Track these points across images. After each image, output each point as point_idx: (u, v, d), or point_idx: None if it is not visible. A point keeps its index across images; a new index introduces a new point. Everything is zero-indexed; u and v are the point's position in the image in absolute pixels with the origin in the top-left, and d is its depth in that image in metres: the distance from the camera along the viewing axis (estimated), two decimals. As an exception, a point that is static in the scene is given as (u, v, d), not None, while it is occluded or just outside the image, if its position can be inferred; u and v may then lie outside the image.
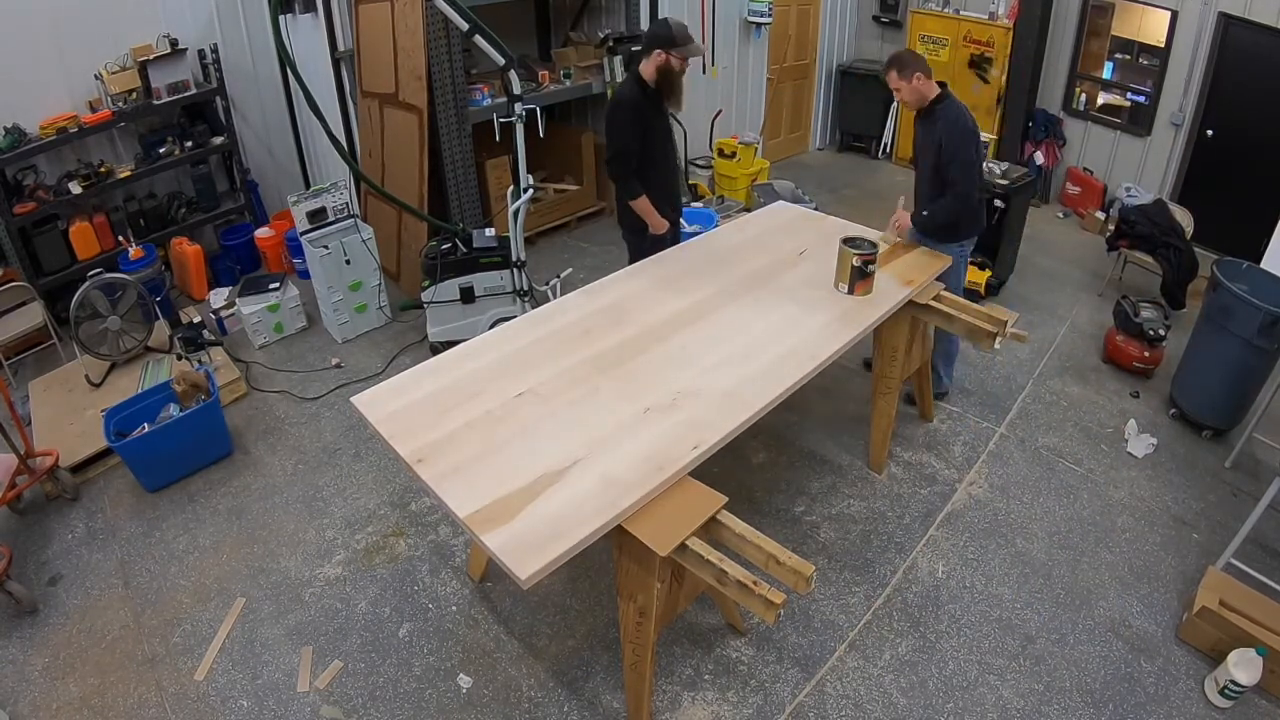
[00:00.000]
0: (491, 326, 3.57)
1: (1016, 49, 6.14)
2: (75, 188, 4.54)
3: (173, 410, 3.61)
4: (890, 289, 3.15)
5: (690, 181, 6.32)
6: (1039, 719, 2.56)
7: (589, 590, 3.03)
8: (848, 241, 3.07)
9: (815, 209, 4.22)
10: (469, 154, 4.86)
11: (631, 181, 3.50)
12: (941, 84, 3.41)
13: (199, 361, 4.15)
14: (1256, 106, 5.19)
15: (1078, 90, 6.30)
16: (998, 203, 4.73)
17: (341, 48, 4.76)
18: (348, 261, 4.49)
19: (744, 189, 6.21)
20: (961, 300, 3.23)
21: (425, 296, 4.23)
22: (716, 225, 4.73)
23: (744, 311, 2.99)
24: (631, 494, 2.10)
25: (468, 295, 4.23)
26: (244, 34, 5.24)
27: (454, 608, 2.98)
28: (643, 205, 3.55)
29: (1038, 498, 3.47)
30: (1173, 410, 4.00)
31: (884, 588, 3.04)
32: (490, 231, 4.32)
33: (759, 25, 6.50)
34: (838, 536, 3.27)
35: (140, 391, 3.79)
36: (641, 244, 3.71)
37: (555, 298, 3.76)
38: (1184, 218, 5.00)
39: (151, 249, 4.70)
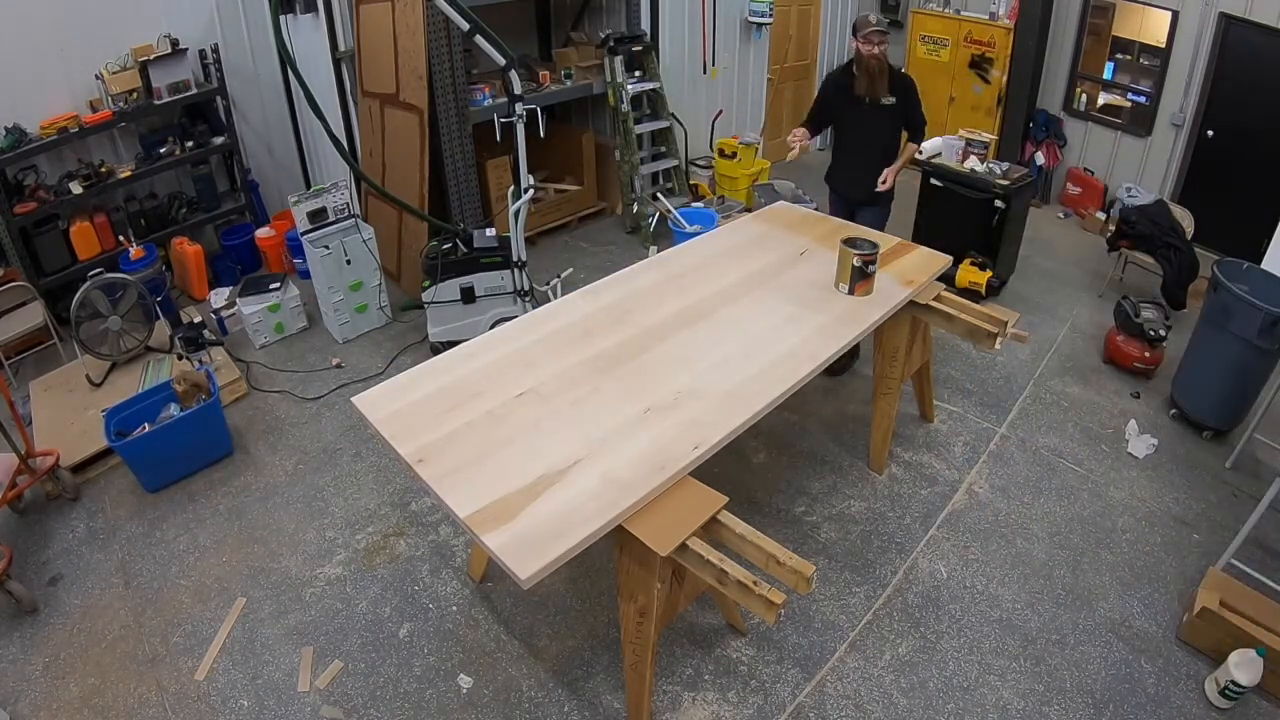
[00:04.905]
0: (492, 326, 3.57)
1: (1017, 49, 6.14)
2: (76, 188, 4.54)
3: (173, 410, 3.61)
4: (891, 289, 3.15)
5: (690, 182, 6.32)
6: None
7: (589, 590, 3.03)
8: (848, 242, 3.07)
9: (815, 209, 4.22)
10: (470, 154, 4.86)
11: (807, 119, 4.12)
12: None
13: (199, 361, 4.15)
14: (1257, 107, 5.18)
15: (1078, 90, 6.30)
16: (998, 203, 4.73)
17: (342, 47, 4.77)
18: (348, 261, 4.50)
19: (744, 189, 6.21)
20: (962, 300, 3.23)
21: (426, 296, 4.23)
22: (717, 225, 4.73)
23: (744, 311, 2.99)
24: (632, 494, 2.10)
25: (468, 295, 4.23)
26: (245, 34, 5.24)
27: (454, 608, 2.98)
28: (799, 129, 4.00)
29: (1038, 498, 3.47)
30: (1173, 411, 4.00)
31: (884, 588, 3.04)
32: (491, 231, 4.32)
33: (760, 25, 6.50)
34: (838, 537, 3.27)
35: (141, 391, 3.79)
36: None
37: (556, 298, 3.76)
38: (1184, 218, 5.00)
39: (152, 249, 4.70)
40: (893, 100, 3.79)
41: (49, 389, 4.09)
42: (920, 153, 4.17)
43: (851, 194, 4.09)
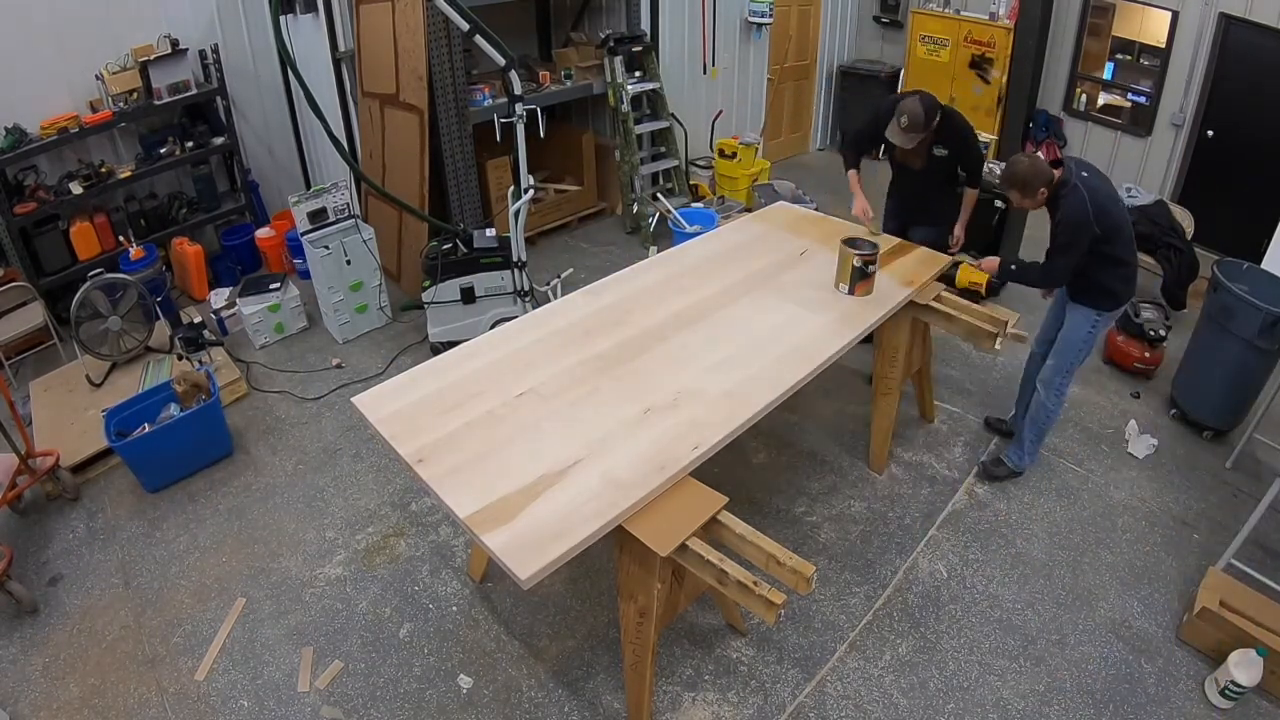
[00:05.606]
0: (492, 327, 3.57)
1: (1017, 49, 6.11)
2: (76, 188, 4.54)
3: (173, 410, 3.61)
4: (891, 289, 3.15)
5: (690, 182, 6.32)
6: (1039, 720, 2.57)
7: (589, 590, 3.02)
8: (848, 242, 3.07)
9: (816, 209, 4.22)
10: (470, 154, 4.86)
11: (845, 155, 4.00)
12: (1058, 164, 3.01)
13: (199, 362, 4.15)
14: (1257, 107, 5.18)
15: (1078, 91, 6.30)
16: (998, 203, 4.74)
17: (342, 48, 4.77)
18: (348, 262, 4.50)
19: (744, 189, 6.21)
20: (962, 301, 3.23)
21: (426, 297, 4.23)
22: (717, 226, 4.73)
23: (745, 312, 2.99)
24: (632, 494, 2.10)
25: (468, 295, 4.23)
26: (245, 34, 5.24)
27: (454, 608, 2.98)
28: (850, 177, 3.90)
29: (1038, 498, 3.47)
30: (1173, 411, 4.00)
31: (884, 588, 3.03)
32: (491, 232, 4.32)
33: (759, 25, 6.50)
34: (838, 537, 3.27)
35: (141, 392, 3.79)
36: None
37: (556, 298, 3.76)
38: (1184, 218, 5.00)
39: (152, 249, 4.70)
40: (945, 152, 3.64)
41: (49, 389, 4.09)
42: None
43: (908, 216, 3.95)
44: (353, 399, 2.53)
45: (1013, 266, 3.32)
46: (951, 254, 3.70)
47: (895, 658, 2.77)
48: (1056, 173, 2.97)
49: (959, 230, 3.87)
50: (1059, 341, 3.34)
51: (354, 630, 2.89)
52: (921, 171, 3.74)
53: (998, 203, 4.72)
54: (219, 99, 5.11)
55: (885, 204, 4.08)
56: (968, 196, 3.83)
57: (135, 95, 4.66)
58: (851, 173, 3.90)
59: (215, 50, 5.01)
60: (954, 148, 3.63)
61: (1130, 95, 6.01)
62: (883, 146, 3.77)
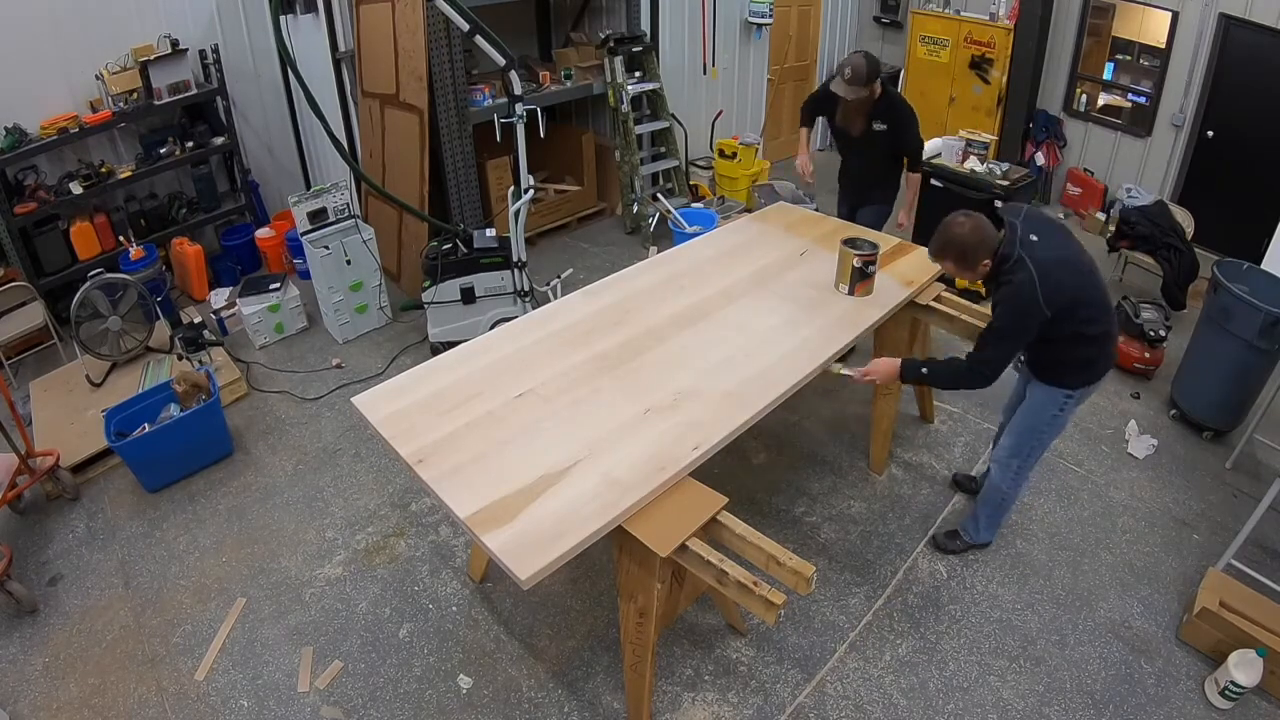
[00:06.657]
0: (492, 327, 3.57)
1: (1017, 50, 6.14)
2: (76, 188, 4.54)
3: (173, 410, 3.61)
4: (891, 289, 3.15)
5: (690, 182, 6.32)
6: (1039, 720, 2.57)
7: (589, 591, 3.02)
8: (848, 242, 3.07)
9: (815, 209, 4.22)
10: (470, 154, 4.86)
11: (801, 115, 4.18)
12: (1009, 226, 2.47)
13: (199, 362, 4.15)
14: (1257, 107, 5.18)
15: (1078, 91, 6.30)
16: (998, 204, 4.73)
17: (342, 48, 4.77)
18: (348, 262, 4.50)
19: (744, 190, 6.21)
20: (962, 301, 3.23)
21: (426, 297, 4.23)
22: (717, 226, 4.73)
23: (744, 312, 2.99)
24: (632, 494, 2.10)
25: (468, 296, 4.23)
26: (245, 34, 5.24)
27: (454, 608, 2.98)
28: (801, 133, 4.18)
29: (1038, 499, 3.47)
30: (1173, 411, 4.00)
31: (884, 588, 3.04)
32: (491, 232, 4.32)
33: (760, 26, 6.50)
34: (838, 537, 3.27)
35: (141, 392, 3.79)
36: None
37: (556, 298, 3.76)
38: (1184, 219, 5.00)
39: (152, 249, 4.70)
40: (884, 127, 3.75)
41: (49, 389, 4.09)
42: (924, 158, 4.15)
43: (854, 196, 4.18)
44: (353, 399, 2.53)
45: (923, 370, 2.63)
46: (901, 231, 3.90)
47: (895, 658, 2.77)
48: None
49: (905, 216, 4.03)
50: (1018, 419, 2.83)
51: (354, 630, 2.89)
52: (862, 143, 3.86)
53: (998, 203, 4.71)
54: (219, 99, 5.11)
55: (838, 192, 4.27)
56: (910, 180, 3.97)
57: (135, 95, 4.66)
58: (803, 130, 4.16)
59: (215, 50, 5.01)
60: (892, 125, 3.75)
61: (1130, 95, 6.01)
62: (832, 126, 3.98)
